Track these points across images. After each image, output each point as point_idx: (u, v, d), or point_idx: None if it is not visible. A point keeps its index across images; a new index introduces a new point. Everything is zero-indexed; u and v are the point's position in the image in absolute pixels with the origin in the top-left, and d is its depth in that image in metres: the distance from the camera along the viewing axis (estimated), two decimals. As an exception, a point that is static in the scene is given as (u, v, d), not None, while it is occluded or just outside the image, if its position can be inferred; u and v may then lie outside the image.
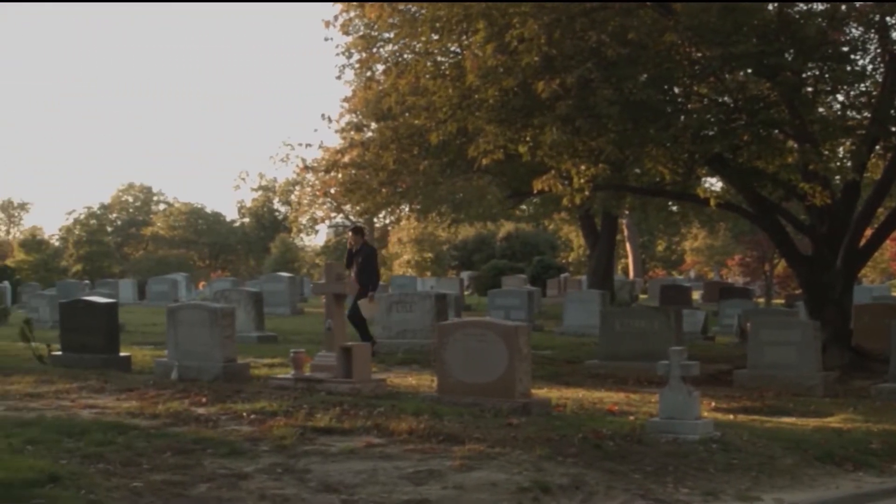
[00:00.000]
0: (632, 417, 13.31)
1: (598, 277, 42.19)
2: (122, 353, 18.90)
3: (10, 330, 26.92)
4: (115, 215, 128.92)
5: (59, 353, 19.33)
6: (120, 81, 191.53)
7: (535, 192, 23.16)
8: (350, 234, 23.47)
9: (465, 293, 51.07)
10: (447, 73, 21.21)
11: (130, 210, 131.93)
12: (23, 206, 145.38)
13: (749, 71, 19.17)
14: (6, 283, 59.89)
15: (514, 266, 61.92)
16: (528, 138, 19.65)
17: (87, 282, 58.97)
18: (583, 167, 19.53)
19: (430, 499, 7.98)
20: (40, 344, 20.64)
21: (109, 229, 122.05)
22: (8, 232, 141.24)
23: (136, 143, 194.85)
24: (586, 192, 19.94)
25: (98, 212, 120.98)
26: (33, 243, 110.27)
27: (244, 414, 12.29)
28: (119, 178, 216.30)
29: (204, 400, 13.62)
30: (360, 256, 22.24)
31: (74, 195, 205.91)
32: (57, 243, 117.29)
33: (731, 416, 14.36)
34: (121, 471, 8.97)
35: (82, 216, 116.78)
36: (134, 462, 9.34)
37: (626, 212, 42.25)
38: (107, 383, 15.84)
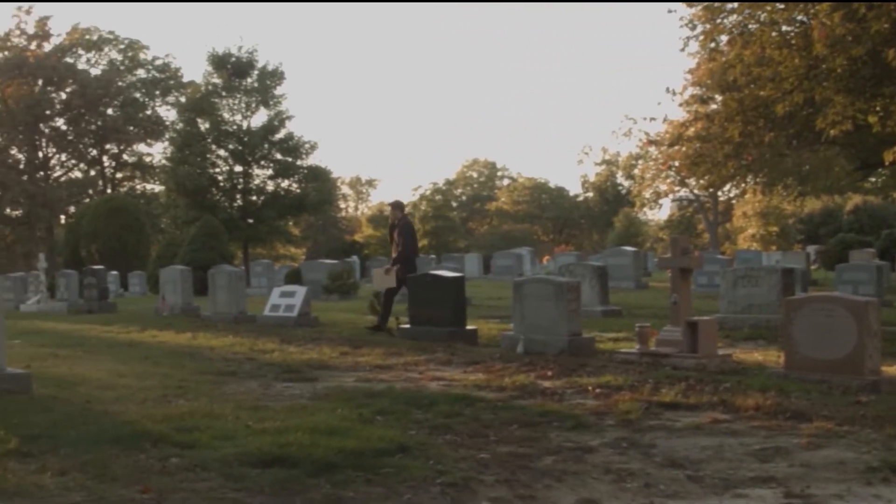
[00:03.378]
0: None
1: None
2: (468, 327, 19.23)
3: (359, 303, 27.86)
4: (459, 191, 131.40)
5: (407, 325, 19.84)
6: (460, 58, 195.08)
7: (885, 163, 22.27)
8: (390, 207, 23.28)
9: (812, 267, 49.74)
10: (793, 42, 20.61)
11: (475, 185, 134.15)
12: (370, 183, 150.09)
13: None
14: (355, 258, 62.04)
15: (862, 240, 59.95)
16: (878, 108, 18.92)
17: (433, 256, 60.36)
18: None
19: (776, 476, 7.78)
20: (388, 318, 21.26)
21: (454, 204, 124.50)
22: (356, 208, 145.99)
23: (481, 119, 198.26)
24: (941, 163, 19.08)
25: (443, 187, 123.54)
26: (381, 219, 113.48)
27: (589, 388, 12.29)
28: (464, 153, 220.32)
29: (549, 373, 13.69)
30: (397, 231, 21.98)
31: (421, 171, 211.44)
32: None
33: None
34: (468, 442, 9.10)
35: (428, 192, 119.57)
36: (481, 434, 9.46)
37: None
38: (454, 356, 16.16)
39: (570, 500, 7.13)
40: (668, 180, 79.22)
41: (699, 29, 24.95)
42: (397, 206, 22.79)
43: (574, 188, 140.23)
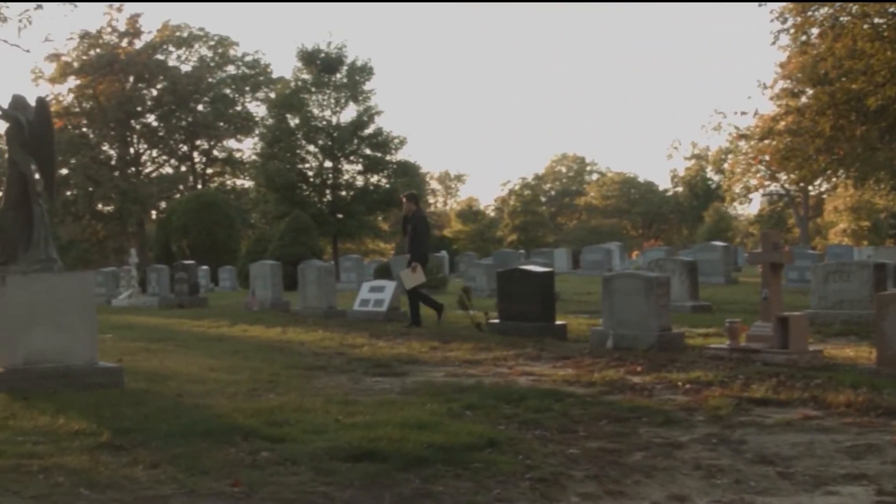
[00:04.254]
0: None
1: None
2: (557, 322, 19.18)
3: (448, 298, 27.87)
4: (548, 185, 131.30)
5: (496, 320, 19.83)
6: (550, 52, 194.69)
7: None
8: (404, 200, 23.08)
9: (905, 263, 49.02)
10: (885, 34, 20.38)
11: (564, 180, 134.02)
12: (459, 178, 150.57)
13: None
14: (444, 253, 62.21)
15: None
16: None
17: (522, 251, 60.33)
18: None
19: (867, 474, 7.69)
20: (478, 312, 21.27)
21: (543, 199, 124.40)
22: (445, 203, 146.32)
23: (570, 113, 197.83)
24: None
25: (532, 182, 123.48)
26: (469, 214, 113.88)
27: (679, 383, 12.23)
28: (553, 148, 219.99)
29: (639, 369, 13.64)
30: (411, 224, 21.77)
31: (509, 166, 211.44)
32: (492, 213, 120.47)
33: None
34: (557, 437, 9.08)
35: (517, 186, 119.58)
36: (570, 429, 9.44)
37: None
38: (543, 351, 16.14)
39: (659, 495, 7.10)
40: (759, 175, 78.39)
41: (790, 22, 24.76)
42: (411, 198, 22.81)
43: (663, 183, 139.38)
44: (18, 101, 13.90)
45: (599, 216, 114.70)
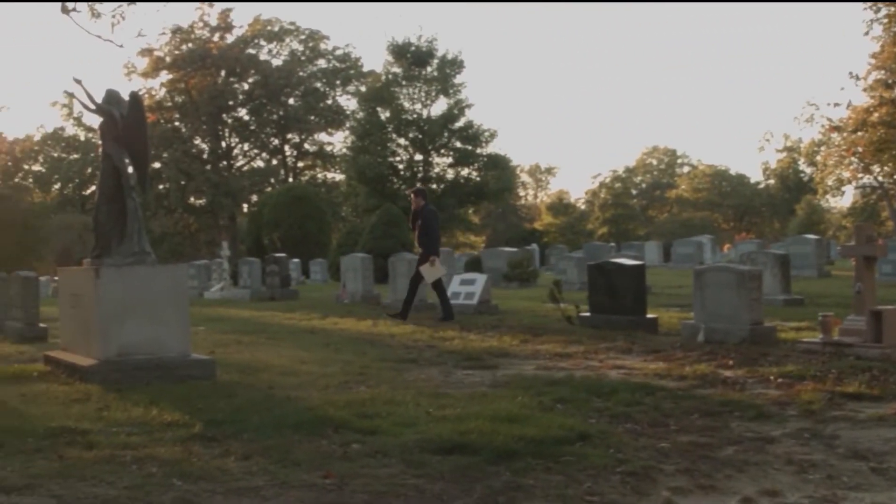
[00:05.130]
0: None
1: None
2: (648, 315, 19.10)
3: (538, 291, 27.87)
4: (639, 178, 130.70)
5: (587, 314, 19.78)
6: (641, 43, 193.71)
7: None
8: (412, 195, 22.86)
9: None
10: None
11: (655, 173, 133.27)
12: (549, 171, 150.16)
13: None
14: (534, 246, 62.14)
15: None
16: None
17: (612, 244, 60.12)
18: None
19: (965, 471, 7.60)
20: (568, 305, 21.22)
21: (634, 192, 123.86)
22: (535, 196, 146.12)
23: (661, 105, 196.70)
24: None
25: (623, 175, 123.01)
26: (560, 206, 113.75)
27: (771, 377, 12.13)
28: (644, 140, 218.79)
29: (730, 362, 13.55)
30: (420, 219, 21.55)
31: (600, 158, 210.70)
32: (583, 206, 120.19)
33: None
34: (648, 431, 9.06)
35: (607, 179, 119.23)
36: (661, 423, 9.41)
37: None
38: (634, 344, 16.08)
39: (751, 490, 7.06)
40: (852, 167, 77.21)
41: (883, 12, 24.44)
42: (419, 193, 22.79)
43: (755, 175, 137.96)
44: (112, 96, 14.09)
45: (690, 209, 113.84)
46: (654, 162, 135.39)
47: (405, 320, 21.98)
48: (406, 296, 22.84)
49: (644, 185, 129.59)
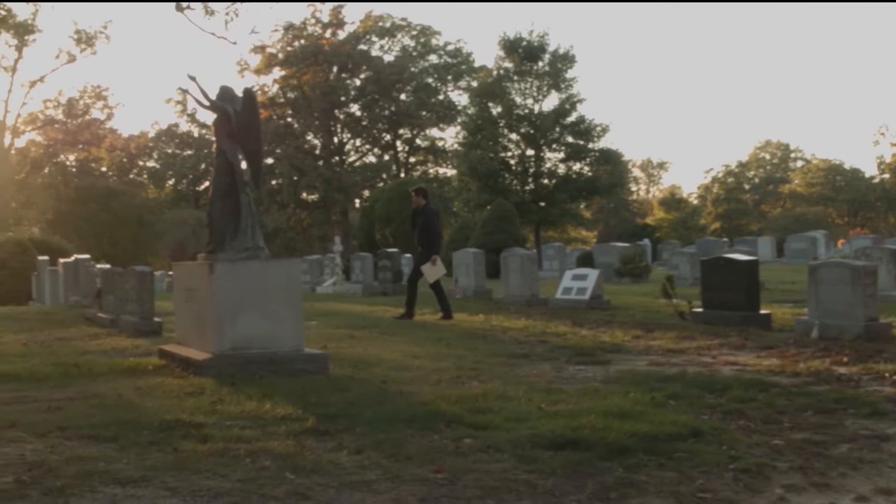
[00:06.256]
0: None
1: None
2: (761, 311, 18.93)
3: (651, 286, 27.75)
4: (752, 173, 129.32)
5: (700, 309, 19.66)
6: (753, 37, 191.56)
7: None
8: (413, 193, 22.58)
9: None
10: None
11: (768, 167, 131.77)
12: (661, 165, 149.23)
13: None
14: (647, 241, 61.81)
15: None
16: None
17: (725, 239, 59.60)
18: None
19: None
20: (681, 300, 21.11)
21: (747, 187, 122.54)
22: (647, 191, 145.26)
23: (774, 99, 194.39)
24: None
25: (735, 169, 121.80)
26: (672, 201, 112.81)
27: (886, 374, 11.98)
28: (756, 135, 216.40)
29: (845, 359, 13.40)
30: (421, 218, 21.24)
31: (712, 153, 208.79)
32: (695, 201, 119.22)
33: None
34: (761, 428, 9.01)
35: (720, 174, 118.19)
36: (774, 420, 9.35)
37: None
38: (747, 340, 15.98)
39: (865, 488, 7.01)
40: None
41: None
42: (420, 192, 22.71)
43: (869, 170, 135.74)
44: (226, 93, 14.27)
45: (804, 204, 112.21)
46: (767, 156, 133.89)
47: (412, 319, 22.21)
48: (406, 296, 23.07)
49: (757, 180, 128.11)
